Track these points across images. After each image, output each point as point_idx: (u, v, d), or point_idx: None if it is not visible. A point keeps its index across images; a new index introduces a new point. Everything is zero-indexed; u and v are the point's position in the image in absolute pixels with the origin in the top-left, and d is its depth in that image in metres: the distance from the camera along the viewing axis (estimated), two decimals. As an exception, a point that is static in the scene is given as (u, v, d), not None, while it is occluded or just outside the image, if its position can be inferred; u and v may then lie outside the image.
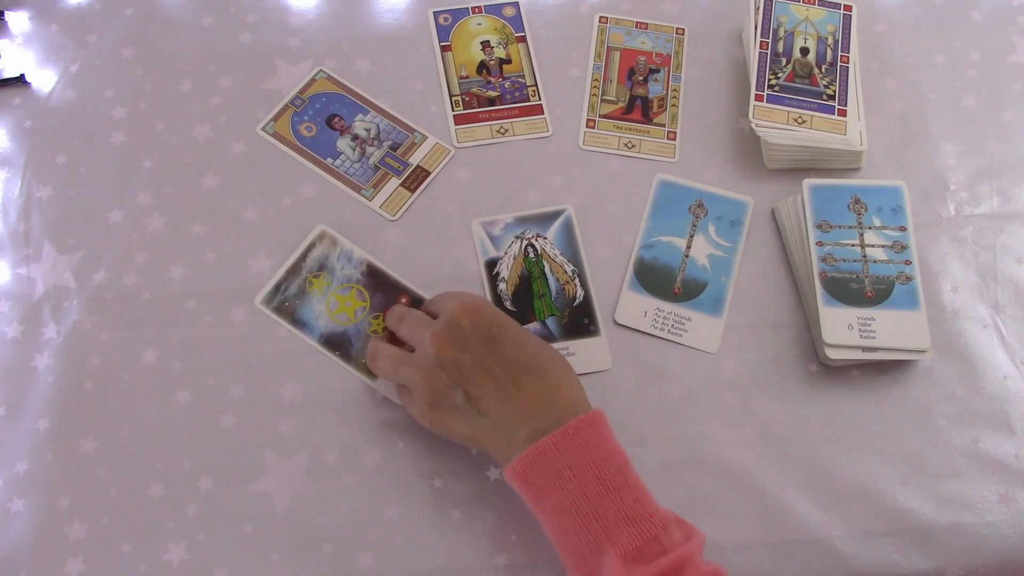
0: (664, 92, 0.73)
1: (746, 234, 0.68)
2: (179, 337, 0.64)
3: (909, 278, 0.64)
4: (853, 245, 0.65)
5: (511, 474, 0.52)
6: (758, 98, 0.69)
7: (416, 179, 0.69)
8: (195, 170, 0.69)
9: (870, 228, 0.66)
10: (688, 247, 0.67)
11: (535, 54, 0.74)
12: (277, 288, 0.65)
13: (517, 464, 0.51)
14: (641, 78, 0.73)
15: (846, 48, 0.71)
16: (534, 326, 0.65)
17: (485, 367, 0.53)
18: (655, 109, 0.72)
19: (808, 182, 0.67)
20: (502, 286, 0.66)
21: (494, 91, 0.72)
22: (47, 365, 0.63)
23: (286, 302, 0.65)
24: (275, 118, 0.71)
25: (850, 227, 0.66)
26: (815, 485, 0.61)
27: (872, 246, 0.65)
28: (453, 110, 0.71)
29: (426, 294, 0.65)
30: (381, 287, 0.65)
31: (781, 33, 0.71)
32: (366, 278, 0.66)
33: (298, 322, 0.64)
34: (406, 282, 0.66)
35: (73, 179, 0.69)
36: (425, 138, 0.70)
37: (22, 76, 0.72)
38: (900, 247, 0.65)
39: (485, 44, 0.74)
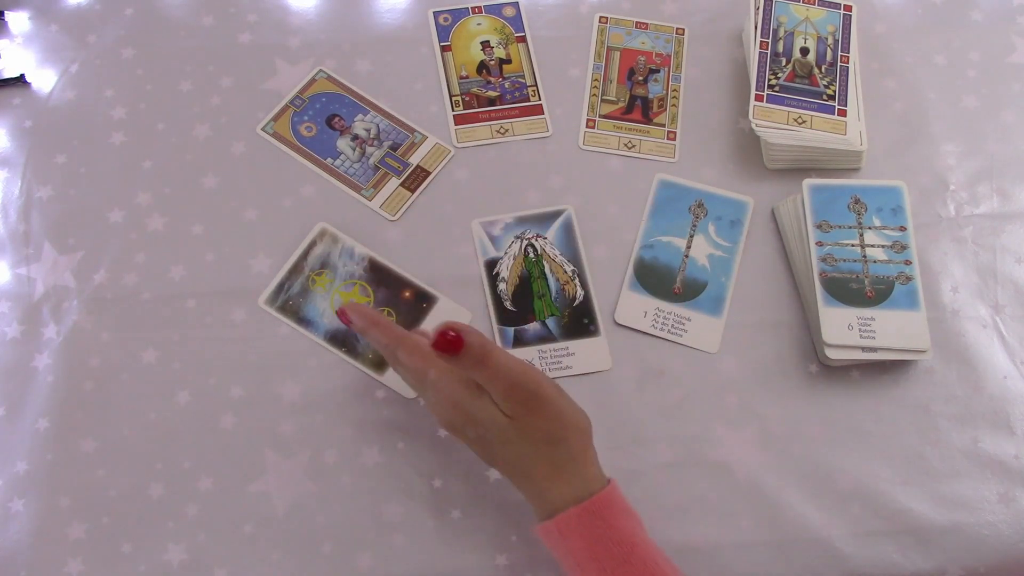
0: (664, 92, 0.73)
1: (746, 234, 0.68)
2: (179, 337, 0.64)
3: (909, 278, 0.64)
4: (853, 245, 0.65)
5: (538, 532, 0.52)
6: (758, 98, 0.69)
7: (416, 179, 0.69)
8: (195, 170, 0.69)
9: (870, 228, 0.66)
10: (688, 247, 0.67)
11: (535, 54, 0.74)
12: (280, 287, 0.65)
13: (539, 528, 0.52)
14: (641, 78, 0.73)
15: (846, 48, 0.71)
16: (534, 326, 0.65)
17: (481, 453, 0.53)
18: (655, 109, 0.72)
19: (808, 182, 0.67)
20: (502, 286, 0.66)
21: (494, 91, 0.72)
22: (47, 365, 0.63)
23: (290, 301, 0.65)
24: (275, 118, 0.71)
25: (850, 227, 0.66)
26: (815, 485, 0.61)
27: (872, 246, 0.65)
28: (453, 110, 0.71)
29: (428, 291, 0.65)
30: (384, 282, 0.65)
31: (781, 33, 0.71)
32: (369, 274, 0.66)
33: (303, 320, 0.64)
34: (409, 276, 0.66)
35: (73, 179, 0.69)
36: (425, 138, 0.70)
37: (22, 76, 0.72)
38: (900, 247, 0.65)
39: (485, 44, 0.74)
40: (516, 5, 0.76)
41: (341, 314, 0.57)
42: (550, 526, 0.50)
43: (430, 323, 0.64)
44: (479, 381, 0.50)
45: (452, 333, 0.46)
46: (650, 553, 0.49)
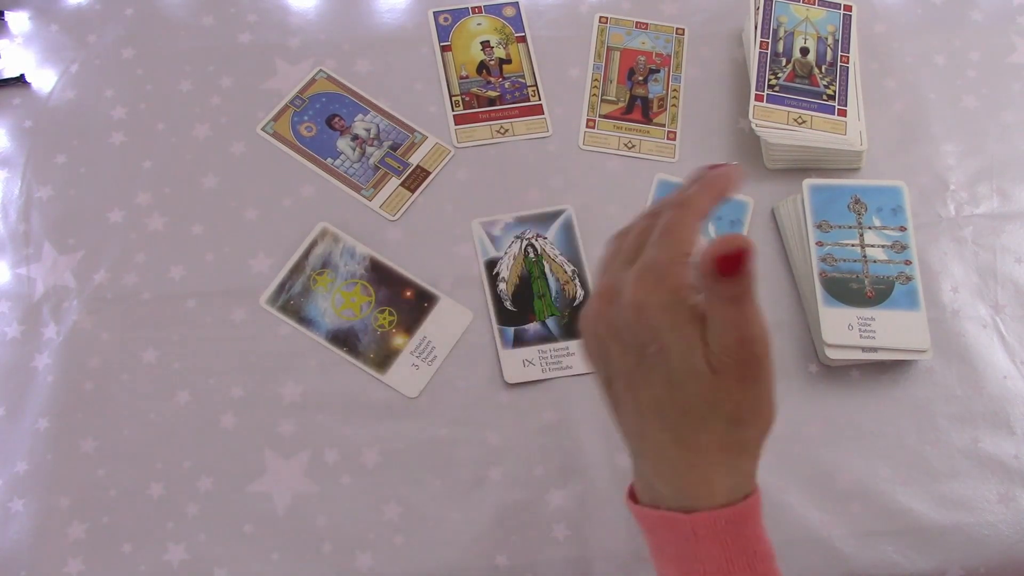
0: (664, 92, 0.73)
1: (746, 234, 0.68)
2: (179, 337, 0.64)
3: (909, 278, 0.64)
4: (853, 245, 0.65)
5: (640, 513, 0.42)
6: (758, 98, 0.69)
7: (416, 179, 0.69)
8: (195, 170, 0.69)
9: (870, 228, 0.66)
10: (688, 247, 0.67)
11: (535, 54, 0.74)
12: (281, 287, 0.65)
13: (649, 515, 0.42)
14: (641, 78, 0.73)
15: (846, 48, 0.71)
16: (534, 326, 0.65)
17: (631, 382, 0.41)
18: (655, 109, 0.72)
19: (808, 182, 0.67)
20: (502, 286, 0.66)
21: (494, 91, 0.72)
22: (47, 365, 0.63)
23: (291, 300, 0.65)
24: (275, 118, 0.71)
25: (850, 227, 0.66)
26: (815, 485, 0.61)
27: (872, 246, 0.65)
28: (453, 110, 0.71)
29: (429, 290, 0.65)
30: (385, 282, 0.66)
31: (781, 33, 0.71)
32: (370, 273, 0.66)
33: (304, 320, 0.64)
34: (410, 275, 0.66)
35: (73, 179, 0.69)
36: (425, 138, 0.70)
37: (22, 76, 0.72)
38: (900, 247, 0.65)
39: (485, 44, 0.74)
40: (516, 5, 0.76)
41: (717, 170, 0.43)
42: (682, 517, 0.39)
43: (431, 323, 0.64)
44: (714, 314, 0.38)
45: (743, 253, 0.37)
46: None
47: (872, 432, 0.62)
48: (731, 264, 0.37)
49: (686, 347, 0.38)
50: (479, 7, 0.75)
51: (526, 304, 0.65)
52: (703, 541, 0.39)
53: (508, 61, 0.74)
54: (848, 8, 0.73)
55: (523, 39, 0.74)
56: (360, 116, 0.71)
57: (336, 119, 0.71)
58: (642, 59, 0.74)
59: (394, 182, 0.69)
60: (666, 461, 0.40)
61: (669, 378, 0.39)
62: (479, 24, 0.75)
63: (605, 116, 0.72)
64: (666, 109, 0.72)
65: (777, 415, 0.41)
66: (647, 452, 0.41)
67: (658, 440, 0.40)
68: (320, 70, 0.72)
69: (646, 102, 0.72)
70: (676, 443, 0.40)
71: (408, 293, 0.65)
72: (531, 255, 0.67)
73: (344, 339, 0.64)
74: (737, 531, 0.39)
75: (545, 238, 0.67)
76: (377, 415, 0.62)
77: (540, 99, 0.72)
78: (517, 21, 0.75)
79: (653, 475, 0.41)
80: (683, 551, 0.40)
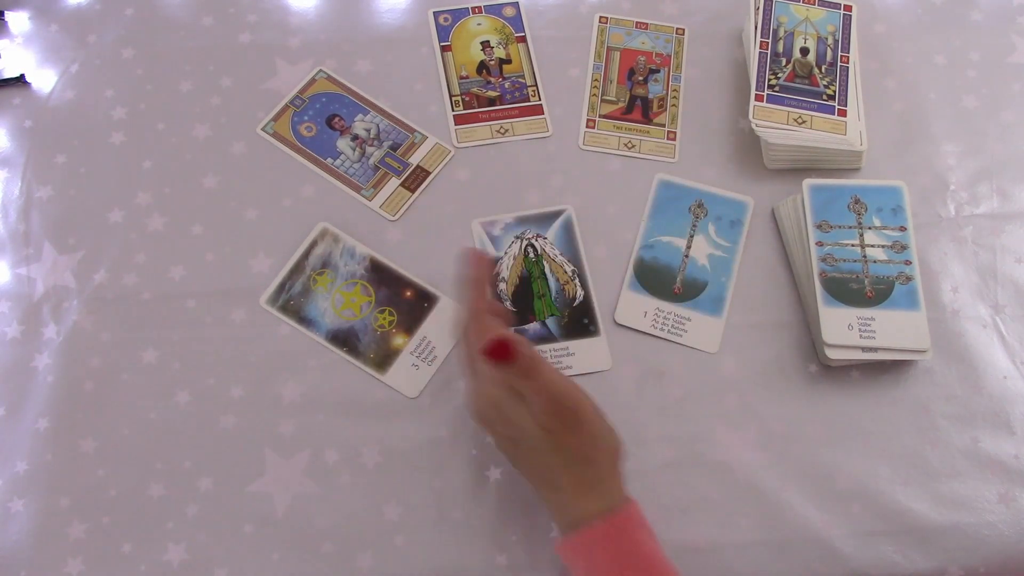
0: (664, 92, 0.73)
1: (746, 234, 0.68)
2: (179, 337, 0.64)
3: (909, 278, 0.64)
4: (853, 245, 0.65)
5: (558, 546, 0.52)
6: (758, 98, 0.69)
7: (416, 179, 0.69)
8: (195, 170, 0.69)
9: (870, 228, 0.66)
10: (688, 247, 0.67)
11: (535, 54, 0.74)
12: (282, 287, 0.65)
13: (563, 541, 0.51)
14: (641, 78, 0.73)
15: (846, 48, 0.71)
16: (534, 326, 0.65)
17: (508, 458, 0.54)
18: (655, 109, 0.72)
19: (808, 182, 0.67)
20: (502, 286, 0.66)
21: (494, 91, 0.72)
22: (47, 365, 0.63)
23: (291, 300, 0.65)
24: (275, 118, 0.71)
25: (850, 227, 0.66)
26: (815, 485, 0.61)
27: (872, 246, 0.65)
28: (453, 110, 0.71)
29: (429, 290, 0.65)
30: (385, 282, 0.66)
31: (781, 33, 0.71)
32: (370, 273, 0.66)
33: (304, 320, 0.64)
34: (410, 275, 0.66)
35: (73, 179, 0.69)
36: (425, 138, 0.70)
37: (22, 76, 0.72)
38: (900, 247, 0.65)
39: (485, 44, 0.74)
40: (516, 5, 0.76)
41: (470, 253, 0.55)
42: (574, 538, 0.50)
43: (431, 323, 0.64)
44: (522, 391, 0.50)
45: (505, 343, 0.47)
46: (669, 572, 0.50)
47: (872, 432, 0.62)
48: (499, 356, 0.47)
49: (523, 422, 0.50)
50: (479, 7, 0.75)
51: (526, 304, 0.65)
52: (592, 552, 0.49)
53: (508, 61, 0.74)
54: (848, 8, 0.73)
55: (523, 39, 0.74)
56: (360, 116, 0.71)
57: (336, 119, 0.71)
58: (642, 59, 0.74)
59: (394, 182, 0.69)
60: (550, 501, 0.52)
61: (522, 444, 0.51)
62: (479, 24, 0.75)
63: (605, 116, 0.72)
64: (666, 109, 0.72)
65: (617, 438, 0.52)
66: (539, 495, 0.53)
67: (538, 487, 0.53)
68: (320, 70, 0.72)
69: (646, 102, 0.72)
70: (549, 488, 0.51)
71: (408, 293, 0.65)
72: (531, 255, 0.67)
73: (344, 339, 0.64)
74: (619, 536, 0.49)
75: (545, 238, 0.67)
76: (377, 415, 0.62)
77: (540, 99, 0.72)
78: (517, 21, 0.75)
79: (551, 512, 0.52)
80: (583, 566, 0.50)
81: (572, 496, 0.50)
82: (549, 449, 0.50)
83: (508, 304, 0.65)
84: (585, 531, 0.49)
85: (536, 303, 0.65)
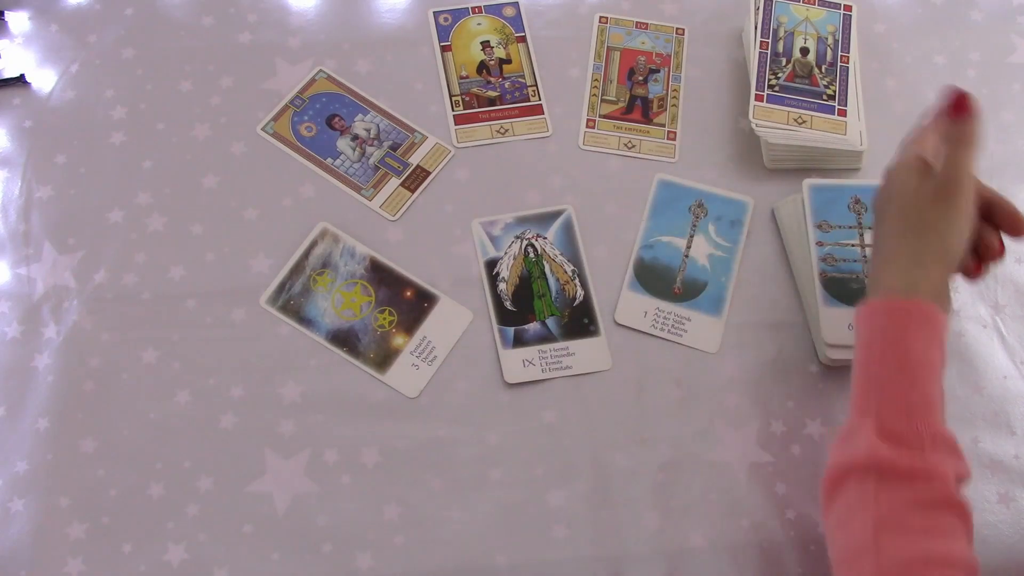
0: (664, 92, 0.73)
1: (746, 234, 0.68)
2: (179, 337, 0.64)
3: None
4: (853, 245, 0.65)
5: (856, 311, 0.54)
6: (758, 98, 0.69)
7: (416, 179, 0.69)
8: (195, 170, 0.69)
9: (870, 228, 0.66)
10: (688, 247, 0.67)
11: (535, 54, 0.74)
12: (281, 287, 0.65)
13: (860, 309, 0.53)
14: (641, 78, 0.73)
15: (846, 48, 0.71)
16: (534, 326, 0.65)
17: (881, 213, 0.55)
18: (655, 109, 0.72)
19: (808, 182, 0.67)
20: (502, 286, 0.66)
21: (494, 91, 0.72)
22: (47, 365, 0.63)
23: (291, 300, 0.65)
24: (275, 118, 0.71)
25: (850, 227, 0.66)
26: (815, 485, 0.61)
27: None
28: (453, 110, 0.71)
29: (429, 290, 0.65)
30: (385, 282, 0.66)
31: (781, 33, 0.71)
32: (370, 273, 0.66)
33: (304, 320, 0.64)
34: (410, 275, 0.66)
35: (73, 179, 0.69)
36: (425, 138, 0.70)
37: (22, 76, 0.72)
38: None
39: (485, 44, 0.74)
40: (516, 5, 0.76)
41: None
42: (864, 306, 0.52)
43: (431, 323, 0.64)
44: (944, 151, 0.51)
45: (967, 96, 0.51)
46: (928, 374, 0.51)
47: (872, 432, 0.62)
48: (959, 105, 0.51)
49: (901, 179, 0.53)
50: (479, 7, 0.75)
51: (526, 304, 0.65)
52: (893, 322, 0.51)
53: (508, 61, 0.74)
54: (848, 8, 0.73)
55: (523, 39, 0.74)
56: (360, 116, 0.71)
57: (336, 119, 0.71)
58: (642, 59, 0.74)
59: (394, 182, 0.69)
60: (890, 261, 0.52)
61: (900, 204, 0.52)
62: (479, 24, 0.75)
63: (605, 116, 0.72)
64: (666, 109, 0.72)
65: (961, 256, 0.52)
66: (878, 257, 0.54)
67: (890, 246, 0.53)
68: (320, 70, 0.72)
69: (646, 102, 0.72)
70: (901, 247, 0.52)
71: (408, 293, 0.65)
72: (531, 255, 0.67)
73: (344, 339, 0.64)
74: (927, 323, 0.51)
75: (545, 238, 0.67)
76: (377, 415, 0.62)
77: (540, 99, 0.72)
78: (517, 21, 0.75)
79: (880, 273, 0.53)
80: (872, 333, 0.51)
81: (885, 258, 0.52)
82: (907, 197, 0.52)
83: (508, 304, 0.65)
84: (872, 302, 0.52)
85: (536, 303, 0.65)
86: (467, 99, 0.72)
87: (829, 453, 0.52)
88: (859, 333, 0.53)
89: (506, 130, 0.71)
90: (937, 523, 0.46)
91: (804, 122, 0.68)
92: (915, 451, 0.47)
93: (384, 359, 0.63)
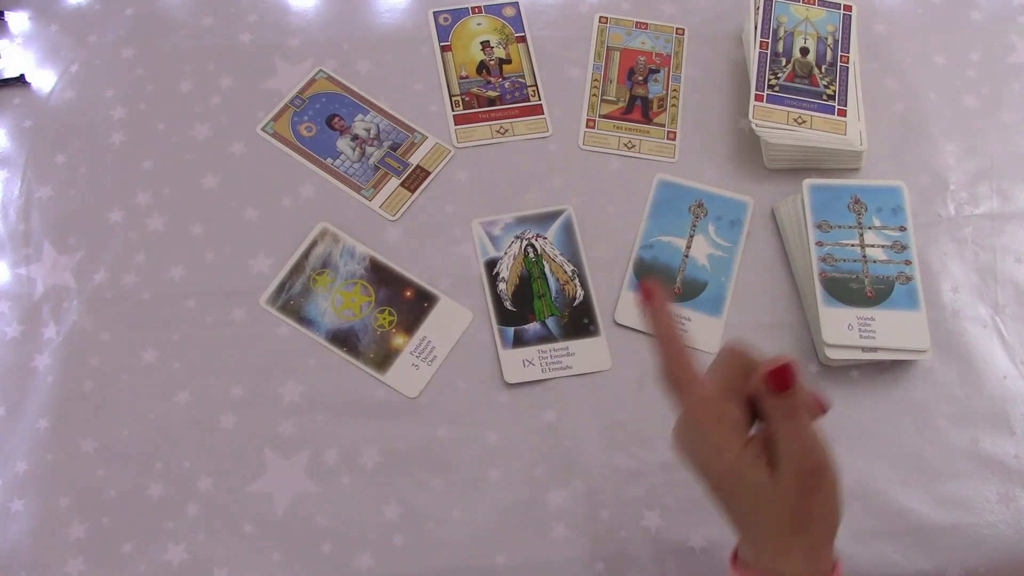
0: (664, 92, 0.73)
1: (746, 234, 0.68)
2: (179, 337, 0.64)
3: (909, 278, 0.64)
4: (853, 245, 0.65)
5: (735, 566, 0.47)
6: (758, 98, 0.69)
7: (416, 179, 0.69)
8: (195, 170, 0.69)
9: (870, 228, 0.66)
10: (688, 247, 0.67)
11: (535, 54, 0.74)
12: (281, 287, 0.65)
13: (737, 567, 0.47)
14: (641, 78, 0.73)
15: (846, 48, 0.71)
16: (534, 326, 0.65)
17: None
18: (655, 109, 0.72)
19: (808, 182, 0.67)
20: (502, 286, 0.66)
21: (494, 91, 0.72)
22: (47, 365, 0.63)
23: (291, 300, 0.65)
24: (275, 118, 0.71)
25: (850, 227, 0.66)
26: (815, 485, 0.61)
27: (872, 246, 0.65)
28: (453, 110, 0.71)
29: (429, 290, 0.65)
30: (385, 282, 0.66)
31: (781, 33, 0.71)
32: (370, 273, 0.66)
33: (304, 320, 0.64)
34: (410, 275, 0.66)
35: (73, 179, 0.69)
36: (425, 138, 0.70)
37: (22, 76, 0.72)
38: (900, 247, 0.65)
39: (485, 44, 0.74)
40: (516, 5, 0.76)
41: (644, 290, 0.48)
42: None
43: (431, 323, 0.64)
44: (776, 429, 0.44)
45: (791, 369, 0.43)
46: None
47: (872, 432, 0.62)
48: (781, 379, 0.43)
49: (751, 474, 0.44)
50: (479, 7, 0.75)
51: (526, 304, 0.65)
52: None
53: (508, 61, 0.74)
54: (848, 8, 0.73)
55: (523, 39, 0.74)
56: (360, 116, 0.71)
57: (336, 119, 0.71)
58: (642, 59, 0.74)
59: (394, 182, 0.69)
60: (747, 545, 0.46)
61: (737, 491, 0.45)
62: (479, 24, 0.75)
63: (605, 116, 0.72)
64: (666, 109, 0.72)
65: (841, 513, 0.46)
66: (736, 532, 0.47)
67: (739, 529, 0.47)
68: (320, 70, 0.72)
69: (646, 102, 0.72)
70: (753, 540, 0.46)
71: (408, 293, 0.65)
72: (531, 255, 0.67)
73: (344, 339, 0.64)
74: None
75: (545, 238, 0.67)
76: (377, 415, 0.62)
77: (540, 99, 0.72)
78: (517, 21, 0.75)
79: (741, 547, 0.47)
80: None
81: (774, 550, 0.45)
82: (769, 500, 0.44)
83: (508, 304, 0.65)
84: None
85: (536, 303, 0.65)
86: (467, 99, 0.72)
87: None
88: None
89: (506, 130, 0.71)
90: None
91: (804, 122, 0.68)
92: None
93: (384, 359, 0.63)
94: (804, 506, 0.44)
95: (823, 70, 0.70)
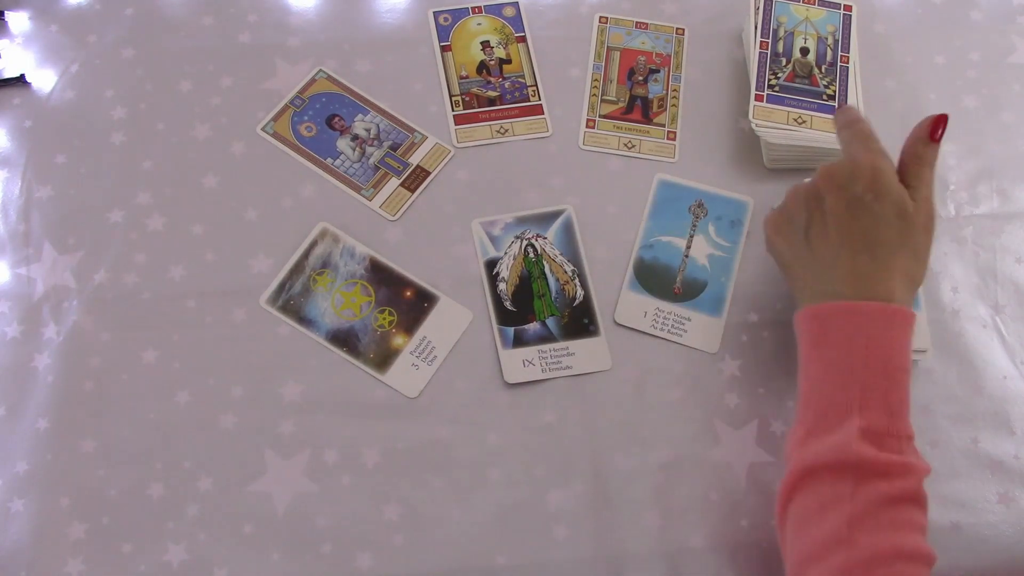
0: (664, 92, 0.73)
1: (746, 234, 0.68)
2: (179, 337, 0.64)
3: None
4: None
5: (812, 311, 0.54)
6: (758, 98, 0.69)
7: (416, 179, 0.69)
8: (195, 170, 0.69)
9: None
10: (688, 247, 0.67)
11: (535, 54, 0.74)
12: (282, 287, 0.65)
13: (824, 307, 0.53)
14: (641, 78, 0.73)
15: (846, 48, 0.71)
16: (534, 326, 0.65)
17: (838, 219, 0.54)
18: (655, 109, 0.72)
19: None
20: (502, 286, 0.66)
21: (494, 91, 0.72)
22: (47, 365, 0.63)
23: (291, 300, 0.65)
24: (275, 118, 0.71)
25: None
26: (815, 485, 0.61)
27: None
28: (453, 110, 0.71)
29: (429, 290, 0.65)
30: (385, 282, 0.66)
31: (781, 33, 0.71)
32: (370, 273, 0.66)
33: (304, 320, 0.64)
34: (410, 275, 0.66)
35: (73, 179, 0.69)
36: (425, 138, 0.70)
37: (22, 76, 0.72)
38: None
39: (485, 44, 0.74)
40: (516, 5, 0.76)
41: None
42: (863, 307, 0.51)
43: (431, 323, 0.64)
44: (920, 172, 0.55)
45: (945, 120, 0.56)
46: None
47: (872, 432, 0.62)
48: (936, 127, 0.56)
49: (901, 196, 0.53)
50: (479, 7, 0.75)
51: (526, 304, 0.65)
52: (874, 325, 0.51)
53: (508, 61, 0.74)
54: (848, 8, 0.73)
55: (523, 39, 0.74)
56: (360, 116, 0.71)
57: (336, 119, 0.71)
58: (642, 59, 0.74)
59: (394, 182, 0.69)
60: (858, 273, 0.53)
61: (877, 217, 0.53)
62: (479, 24, 0.75)
63: (605, 116, 0.72)
64: (666, 109, 0.72)
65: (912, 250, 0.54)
66: (838, 269, 0.53)
67: (855, 260, 0.53)
68: (320, 70, 0.72)
69: (646, 102, 0.72)
70: (872, 261, 0.53)
71: (408, 293, 0.65)
72: (531, 255, 0.67)
73: (344, 339, 0.64)
74: (901, 324, 0.52)
75: (545, 238, 0.67)
76: (377, 415, 0.62)
77: (540, 99, 0.72)
78: (517, 21, 0.75)
79: (841, 283, 0.53)
80: (851, 330, 0.51)
81: (889, 273, 0.52)
82: (903, 228, 0.53)
83: (508, 304, 0.65)
84: (846, 304, 0.52)
85: (536, 303, 0.65)
86: (467, 99, 0.72)
87: (787, 456, 0.52)
88: (826, 334, 0.53)
89: (506, 130, 0.71)
90: (907, 518, 0.48)
91: (804, 122, 0.68)
92: (895, 450, 0.49)
93: (384, 359, 0.63)
94: (924, 238, 0.54)
95: (823, 70, 0.70)
